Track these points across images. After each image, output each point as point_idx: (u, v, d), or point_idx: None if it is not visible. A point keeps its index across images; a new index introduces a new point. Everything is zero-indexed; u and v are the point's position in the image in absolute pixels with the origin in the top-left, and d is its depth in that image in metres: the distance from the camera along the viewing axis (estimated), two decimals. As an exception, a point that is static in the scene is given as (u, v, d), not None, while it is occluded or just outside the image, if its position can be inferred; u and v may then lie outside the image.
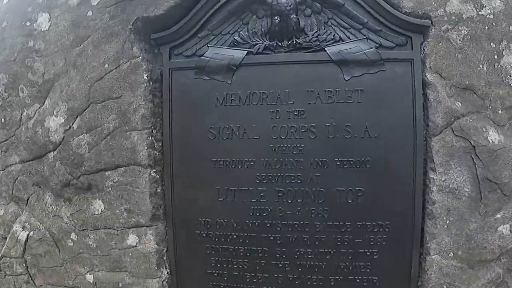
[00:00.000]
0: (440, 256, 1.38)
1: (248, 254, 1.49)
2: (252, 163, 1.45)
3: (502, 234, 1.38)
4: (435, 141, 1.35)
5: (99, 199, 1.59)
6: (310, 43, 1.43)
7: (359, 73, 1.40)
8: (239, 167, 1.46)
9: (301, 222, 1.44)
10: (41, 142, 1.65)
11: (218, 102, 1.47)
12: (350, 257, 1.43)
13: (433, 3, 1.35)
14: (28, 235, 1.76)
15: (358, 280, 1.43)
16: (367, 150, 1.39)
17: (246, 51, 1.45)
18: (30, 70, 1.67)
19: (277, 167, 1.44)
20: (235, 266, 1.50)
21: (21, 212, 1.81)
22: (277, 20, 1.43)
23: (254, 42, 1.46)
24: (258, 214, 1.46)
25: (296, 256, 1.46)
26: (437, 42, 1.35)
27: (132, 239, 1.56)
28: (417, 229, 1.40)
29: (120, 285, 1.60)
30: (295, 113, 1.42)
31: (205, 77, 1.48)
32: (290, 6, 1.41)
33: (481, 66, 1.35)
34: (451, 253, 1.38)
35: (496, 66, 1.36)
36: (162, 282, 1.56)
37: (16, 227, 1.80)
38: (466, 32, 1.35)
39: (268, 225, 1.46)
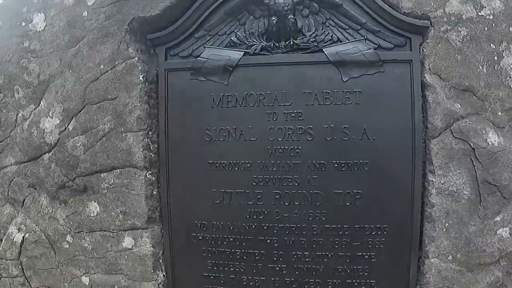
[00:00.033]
0: (439, 260, 1.37)
1: (244, 257, 1.48)
2: (248, 165, 1.44)
3: (501, 237, 1.37)
4: (434, 143, 1.34)
5: (95, 201, 1.58)
6: (307, 44, 1.42)
7: (357, 74, 1.39)
8: (236, 169, 1.45)
9: (299, 225, 1.43)
10: (37, 143, 1.64)
11: (214, 103, 1.46)
12: (348, 260, 1.42)
13: (432, 4, 1.34)
14: (23, 237, 1.76)
15: (356, 284, 1.43)
16: (365, 152, 1.38)
17: (243, 52, 1.44)
18: (25, 70, 1.66)
19: (274, 169, 1.43)
20: (231, 269, 1.49)
21: (17, 213, 1.80)
22: (274, 21, 1.41)
23: (251, 43, 1.44)
24: (255, 216, 1.45)
25: (293, 259, 1.45)
26: (437, 43, 1.34)
27: (128, 242, 1.55)
28: (415, 232, 1.39)
29: (116, 288, 1.59)
30: (292, 114, 1.41)
31: (202, 78, 1.47)
32: (287, 6, 1.40)
33: (480, 67, 1.34)
34: (450, 256, 1.37)
35: (496, 68, 1.35)
36: (158, 285, 1.55)
37: (12, 229, 1.79)
38: (465, 33, 1.34)
39: (265, 228, 1.45)
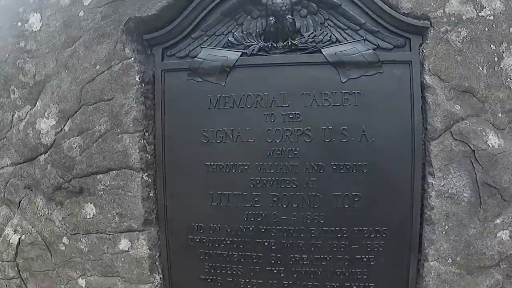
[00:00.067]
0: (438, 263, 1.36)
1: (242, 260, 1.46)
2: (246, 167, 1.43)
3: (501, 240, 1.36)
4: (434, 145, 1.33)
5: (91, 203, 1.56)
6: (306, 44, 1.41)
7: (356, 75, 1.37)
8: (233, 171, 1.44)
9: (297, 228, 1.42)
10: (32, 144, 1.63)
11: (211, 104, 1.45)
12: (346, 264, 1.41)
13: (432, 4, 1.33)
14: (20, 238, 1.74)
15: (354, 287, 1.42)
16: (364, 154, 1.37)
17: (241, 52, 1.43)
18: (21, 71, 1.65)
19: (272, 171, 1.41)
20: (229, 272, 1.48)
21: (13, 215, 1.79)
22: (272, 21, 1.40)
23: (249, 43, 1.43)
24: (252, 219, 1.44)
25: (291, 262, 1.43)
26: (436, 43, 1.33)
27: (124, 244, 1.53)
28: (415, 235, 1.38)
29: (112, 290, 1.58)
30: (291, 116, 1.40)
31: (199, 78, 1.46)
32: (285, 6, 1.39)
33: (480, 68, 1.33)
34: (449, 259, 1.36)
35: (496, 69, 1.33)
36: (155, 287, 1.54)
37: (8, 230, 1.78)
38: (465, 34, 1.33)
39: (262, 230, 1.44)
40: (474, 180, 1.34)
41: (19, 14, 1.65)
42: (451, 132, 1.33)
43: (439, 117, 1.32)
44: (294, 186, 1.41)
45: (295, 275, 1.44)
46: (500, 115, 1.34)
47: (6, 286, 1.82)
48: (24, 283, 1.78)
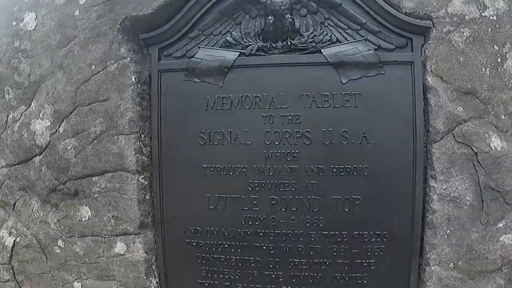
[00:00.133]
0: (440, 267, 1.35)
1: (240, 264, 1.44)
2: (244, 170, 1.41)
3: (504, 244, 1.35)
4: (436, 147, 1.32)
5: (86, 206, 1.54)
6: (305, 44, 1.38)
7: (357, 76, 1.35)
8: (231, 173, 1.41)
9: (296, 232, 1.40)
10: (27, 145, 1.61)
11: (209, 105, 1.43)
12: (346, 268, 1.39)
13: (435, 4, 1.31)
14: (14, 241, 1.73)
15: (354, 292, 1.40)
16: (365, 157, 1.35)
17: (239, 52, 1.41)
18: (16, 71, 1.63)
19: (270, 174, 1.39)
20: (226, 276, 1.46)
21: (8, 217, 1.77)
22: (271, 20, 1.38)
23: (247, 43, 1.41)
24: (250, 222, 1.42)
25: (290, 267, 1.41)
26: (439, 44, 1.31)
27: (120, 247, 1.51)
28: (416, 239, 1.36)
29: (108, 294, 1.56)
30: (290, 117, 1.38)
31: (196, 79, 1.44)
32: (284, 5, 1.37)
33: (483, 69, 1.31)
34: (451, 263, 1.35)
35: (499, 70, 1.32)
36: (151, 291, 1.52)
37: (3, 232, 1.77)
38: (468, 34, 1.31)
39: (261, 234, 1.42)
40: (477, 183, 1.32)
41: (14, 13, 1.63)
42: (453, 135, 1.31)
43: (442, 119, 1.30)
44: (293, 189, 1.39)
45: (294, 280, 1.42)
46: (503, 117, 1.33)
47: (1, 288, 1.81)
48: (19, 286, 1.76)
